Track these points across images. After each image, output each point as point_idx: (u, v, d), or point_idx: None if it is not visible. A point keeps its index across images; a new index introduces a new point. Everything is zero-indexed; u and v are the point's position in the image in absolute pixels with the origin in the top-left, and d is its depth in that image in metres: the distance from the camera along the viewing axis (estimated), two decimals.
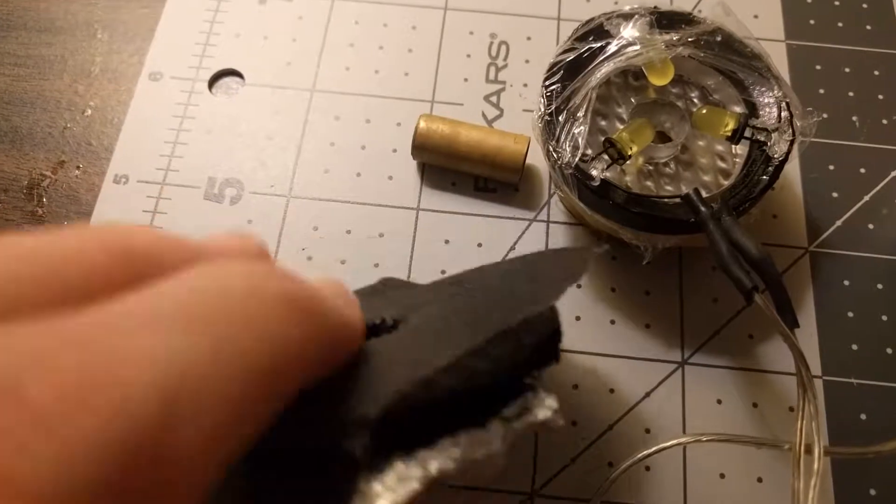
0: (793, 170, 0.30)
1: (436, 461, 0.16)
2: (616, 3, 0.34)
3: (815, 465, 0.21)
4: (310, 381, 0.14)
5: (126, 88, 0.32)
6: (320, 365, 0.15)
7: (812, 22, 0.34)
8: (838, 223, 0.29)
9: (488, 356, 0.17)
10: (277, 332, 0.12)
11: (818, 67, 0.33)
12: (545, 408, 0.18)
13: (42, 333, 0.09)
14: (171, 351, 0.10)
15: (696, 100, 0.29)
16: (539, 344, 0.19)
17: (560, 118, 0.26)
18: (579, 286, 0.28)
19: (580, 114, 0.26)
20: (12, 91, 0.32)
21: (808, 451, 0.21)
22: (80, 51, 0.33)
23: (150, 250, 0.13)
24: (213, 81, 0.32)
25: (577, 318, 0.27)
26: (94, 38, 0.34)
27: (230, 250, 0.16)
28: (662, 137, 0.28)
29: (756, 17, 0.34)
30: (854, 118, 0.31)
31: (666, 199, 0.25)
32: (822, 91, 0.32)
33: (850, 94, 0.32)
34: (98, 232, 0.13)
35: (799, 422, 0.22)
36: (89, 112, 0.32)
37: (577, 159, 0.25)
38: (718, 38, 0.27)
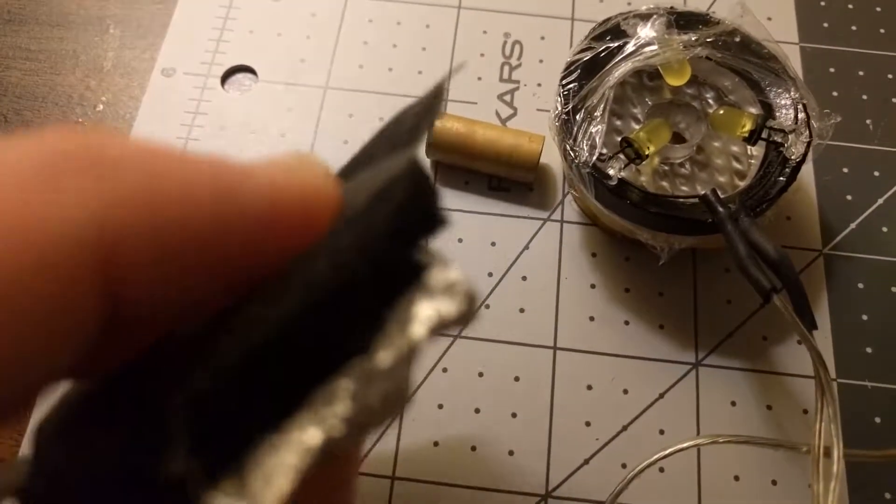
0: (807, 172, 0.30)
1: (316, 428, 0.12)
2: (630, 3, 0.34)
3: (835, 469, 0.20)
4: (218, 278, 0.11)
5: (138, 84, 0.32)
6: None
7: (826, 25, 0.34)
8: (852, 226, 0.29)
9: (336, 261, 0.12)
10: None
11: (832, 70, 0.33)
12: (442, 292, 0.13)
13: None
14: None
15: (711, 100, 0.29)
16: (401, 209, 0.13)
17: (577, 117, 0.26)
18: (593, 286, 0.28)
19: (597, 113, 0.25)
20: (24, 85, 0.32)
21: (827, 453, 0.21)
22: (93, 46, 0.33)
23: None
24: (225, 78, 0.32)
25: (591, 319, 0.27)
26: (106, 33, 0.34)
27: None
28: (677, 138, 0.28)
29: (770, 19, 0.34)
30: (868, 121, 0.31)
31: (683, 200, 0.25)
32: (835, 94, 0.32)
33: (864, 97, 0.32)
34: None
35: (818, 424, 0.21)
36: (101, 107, 0.32)
37: (594, 159, 0.25)
38: (737, 39, 0.27)
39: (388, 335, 0.13)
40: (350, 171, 0.17)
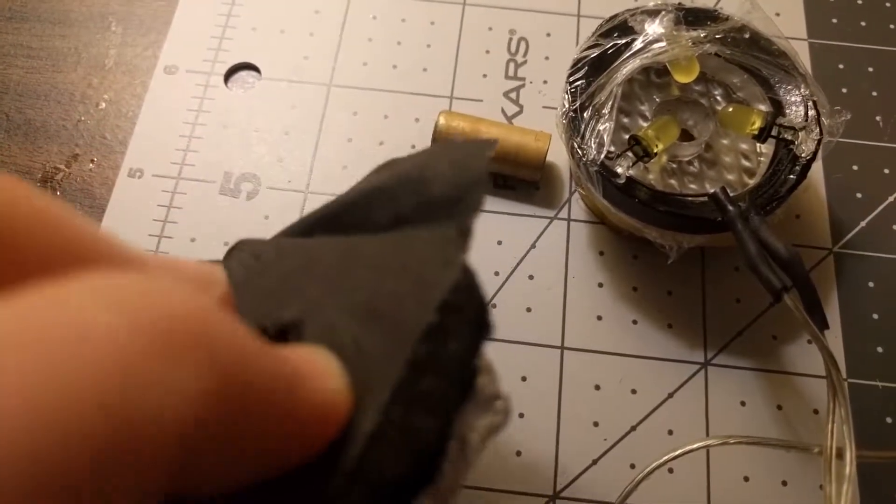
0: (816, 169, 0.30)
1: None
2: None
3: (848, 470, 0.20)
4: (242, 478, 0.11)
5: (141, 81, 0.32)
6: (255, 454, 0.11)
7: (835, 21, 0.33)
8: (862, 224, 0.29)
9: (416, 396, 0.12)
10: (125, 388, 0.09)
11: (841, 66, 0.32)
12: (487, 404, 0.14)
13: None
14: None
15: (719, 97, 0.28)
16: (467, 328, 0.13)
17: (585, 115, 0.25)
18: (601, 285, 0.28)
19: (605, 110, 0.25)
20: (26, 83, 0.32)
21: (839, 455, 0.21)
22: (95, 43, 0.33)
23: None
24: (228, 75, 0.32)
25: (599, 318, 0.27)
26: (108, 31, 0.33)
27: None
28: (686, 136, 0.28)
29: (778, 14, 0.33)
30: (878, 118, 0.31)
31: (692, 198, 0.25)
32: (844, 90, 0.32)
33: (874, 93, 0.32)
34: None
35: (829, 425, 0.21)
36: (103, 105, 0.32)
37: (602, 156, 0.25)
38: (746, 36, 0.26)
39: (451, 456, 0.13)
40: (365, 209, 0.17)
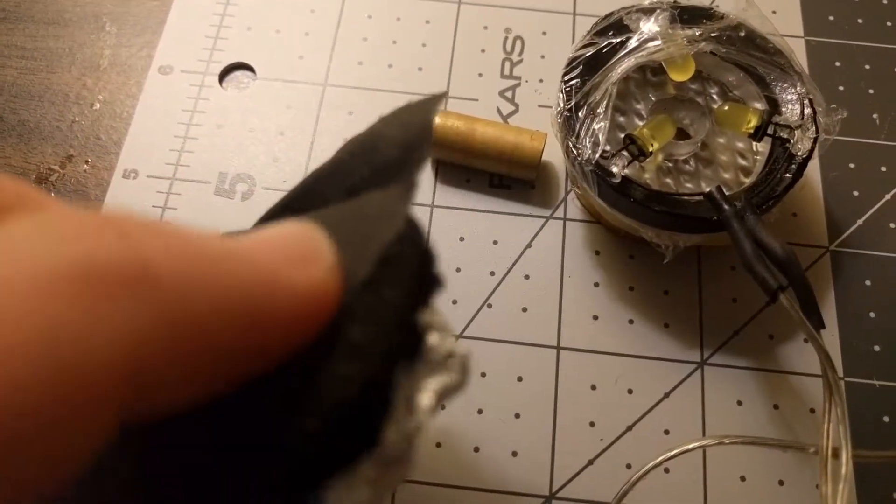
0: (813, 168, 0.30)
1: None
2: None
3: (844, 470, 0.20)
4: (228, 378, 0.11)
5: (135, 82, 0.32)
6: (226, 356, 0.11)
7: (831, 18, 0.33)
8: (859, 222, 0.29)
9: (343, 345, 0.12)
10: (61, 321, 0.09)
11: (837, 64, 0.32)
12: (441, 362, 0.14)
13: None
14: None
15: (715, 96, 0.28)
16: (413, 279, 0.13)
17: (580, 114, 0.25)
18: (597, 284, 0.28)
19: (600, 110, 0.25)
20: (20, 84, 0.32)
21: (835, 454, 0.21)
22: (89, 44, 0.33)
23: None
24: (223, 75, 0.32)
25: (595, 318, 0.27)
26: (102, 31, 0.33)
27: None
28: (681, 134, 0.28)
29: (774, 12, 0.33)
30: (874, 115, 0.31)
31: (688, 197, 0.25)
32: (841, 88, 0.32)
33: (871, 91, 0.31)
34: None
35: (825, 425, 0.21)
36: (98, 106, 0.31)
37: (597, 156, 0.25)
38: (742, 34, 0.26)
39: (396, 417, 0.12)
40: (320, 189, 0.17)
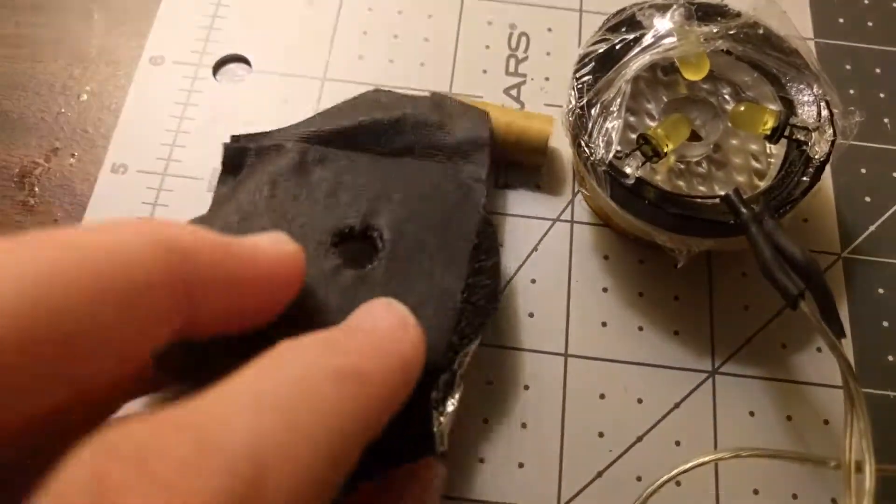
0: (824, 173, 0.29)
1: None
2: None
3: (867, 485, 0.19)
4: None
5: (125, 73, 0.31)
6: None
7: (841, 20, 0.33)
8: (872, 228, 0.28)
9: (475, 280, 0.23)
10: (335, 410, 0.14)
11: (848, 67, 0.32)
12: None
13: (160, 422, 0.12)
14: (259, 432, 0.12)
15: (727, 96, 0.27)
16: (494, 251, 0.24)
17: (592, 112, 0.24)
18: (605, 290, 0.27)
19: (613, 108, 0.24)
20: (2, 73, 0.30)
21: (858, 468, 0.20)
22: (76, 32, 0.31)
23: (189, 248, 0.15)
24: (217, 67, 0.31)
25: (604, 325, 0.26)
26: (90, 19, 0.32)
27: (272, 261, 0.17)
28: (692, 136, 0.27)
29: (783, 13, 0.32)
30: (886, 120, 0.30)
31: (703, 200, 0.24)
32: (852, 92, 0.31)
33: (882, 95, 0.31)
34: (139, 224, 0.15)
35: (847, 438, 0.20)
36: (85, 97, 0.30)
37: (611, 156, 0.24)
38: (760, 32, 0.26)
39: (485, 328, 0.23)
40: (372, 135, 0.26)
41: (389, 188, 0.24)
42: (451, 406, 0.21)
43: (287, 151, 0.24)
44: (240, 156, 0.25)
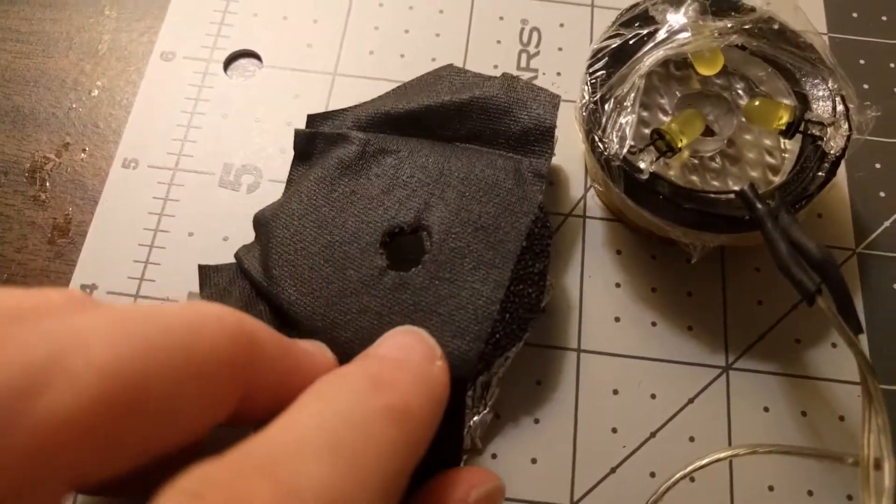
0: (839, 168, 0.29)
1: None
2: None
3: (887, 482, 0.19)
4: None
5: (136, 68, 0.31)
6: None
7: (855, 15, 0.32)
8: (886, 224, 0.28)
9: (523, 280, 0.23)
10: (393, 451, 0.15)
11: (861, 62, 0.31)
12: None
13: (238, 466, 0.13)
14: (332, 482, 0.13)
15: (741, 91, 0.27)
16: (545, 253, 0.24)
17: (606, 107, 0.24)
18: (618, 285, 0.27)
19: (627, 103, 0.24)
20: (14, 68, 0.30)
21: (877, 465, 0.20)
22: (87, 28, 0.31)
23: (256, 337, 0.16)
24: (228, 62, 0.31)
25: (617, 320, 0.26)
26: (101, 14, 0.32)
27: (314, 367, 0.19)
28: (706, 131, 0.27)
29: (797, 8, 0.32)
30: None
31: (718, 195, 0.24)
32: (866, 86, 0.31)
33: None
34: (221, 309, 0.16)
35: (866, 434, 0.20)
36: (96, 92, 0.30)
37: (625, 151, 0.24)
38: (775, 27, 0.25)
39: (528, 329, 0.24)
40: (438, 119, 0.26)
41: (445, 183, 0.24)
42: (485, 408, 0.22)
43: (350, 142, 0.25)
44: (310, 142, 0.26)
